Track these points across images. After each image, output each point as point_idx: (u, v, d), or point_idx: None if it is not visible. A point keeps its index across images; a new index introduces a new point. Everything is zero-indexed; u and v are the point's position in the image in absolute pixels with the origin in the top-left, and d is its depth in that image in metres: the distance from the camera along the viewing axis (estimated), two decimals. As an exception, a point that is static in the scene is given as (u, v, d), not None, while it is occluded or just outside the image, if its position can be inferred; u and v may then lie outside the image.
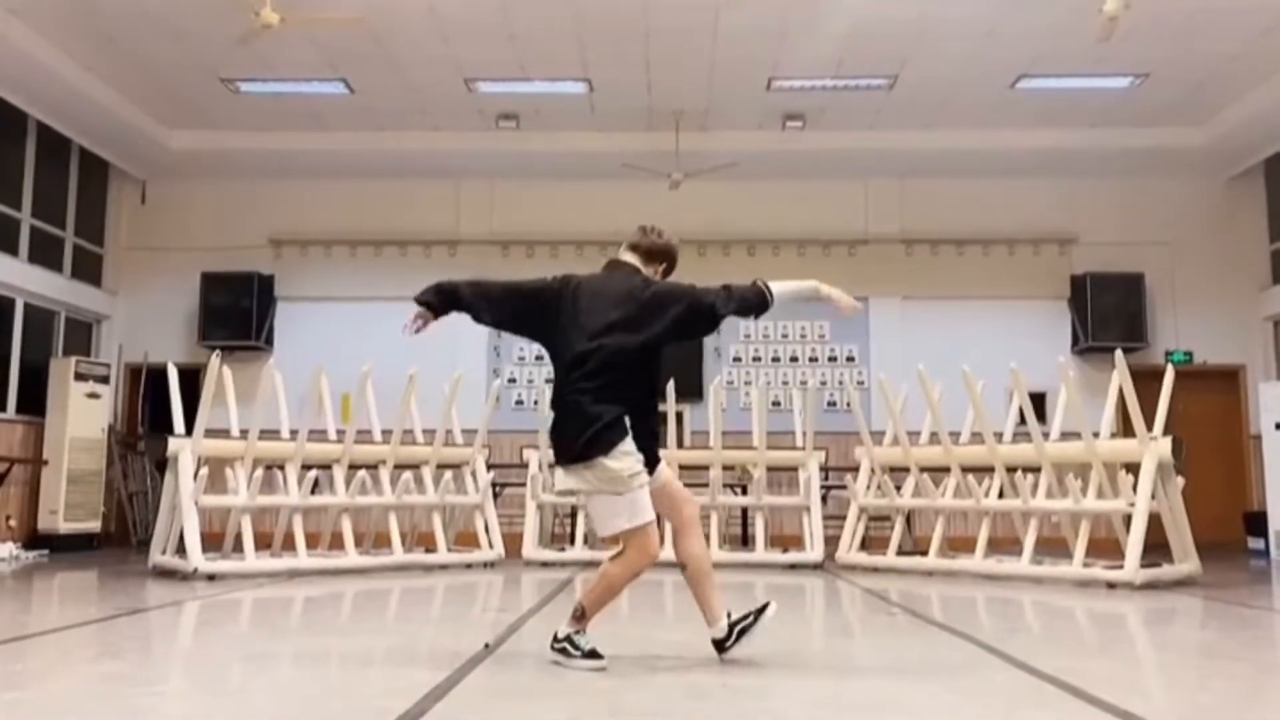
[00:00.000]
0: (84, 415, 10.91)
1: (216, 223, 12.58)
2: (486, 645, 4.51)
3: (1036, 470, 8.01)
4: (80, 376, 10.92)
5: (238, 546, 7.97)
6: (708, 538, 7.48)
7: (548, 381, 12.03)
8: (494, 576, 8.31)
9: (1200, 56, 9.62)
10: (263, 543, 8.18)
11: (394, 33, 9.26)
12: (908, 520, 9.37)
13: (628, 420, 3.96)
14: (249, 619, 6.06)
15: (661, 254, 4.34)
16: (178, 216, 12.62)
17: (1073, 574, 7.53)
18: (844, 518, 9.40)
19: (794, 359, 12.41)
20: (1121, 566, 7.23)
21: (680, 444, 9.35)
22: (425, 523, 9.09)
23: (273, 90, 10.56)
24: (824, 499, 9.79)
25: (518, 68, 10.02)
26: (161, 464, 8.25)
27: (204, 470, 7.80)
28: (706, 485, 8.88)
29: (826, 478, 10.33)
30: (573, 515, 9.80)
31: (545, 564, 8.99)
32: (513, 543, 9.30)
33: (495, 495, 9.75)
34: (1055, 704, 3.45)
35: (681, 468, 8.40)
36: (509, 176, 12.49)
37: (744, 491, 9.73)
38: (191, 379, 9.51)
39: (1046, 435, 8.17)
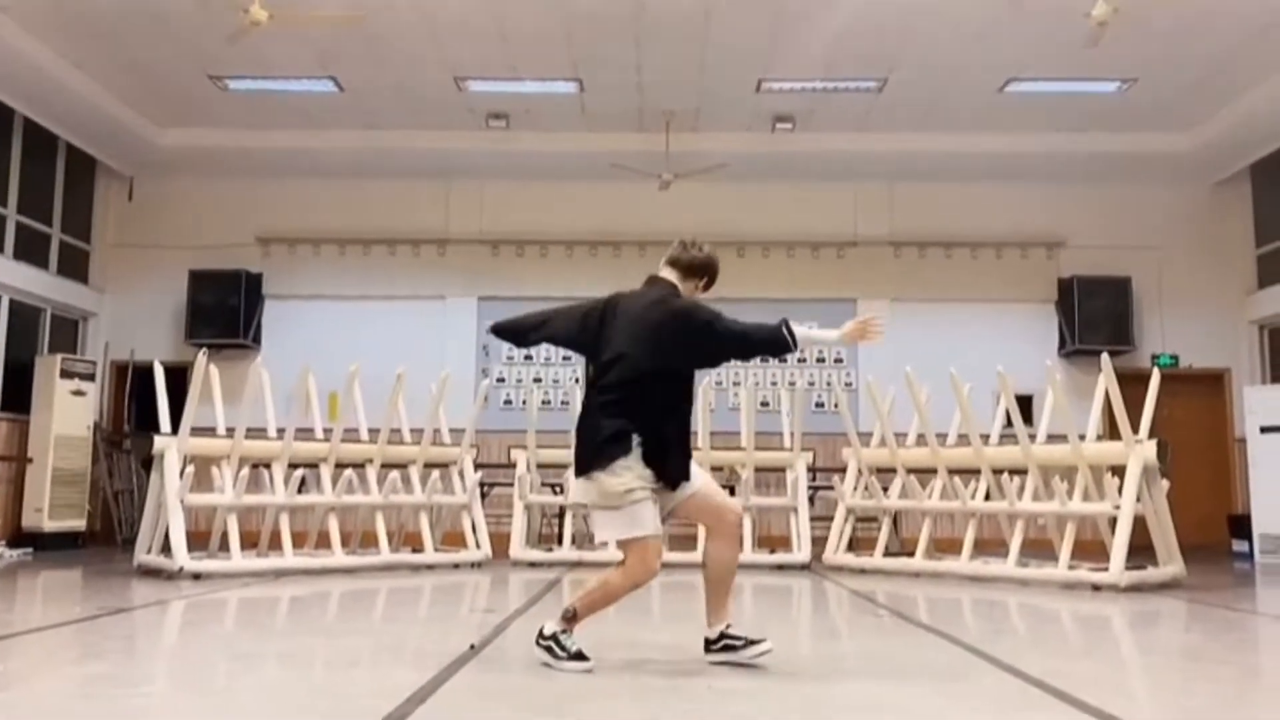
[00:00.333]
0: (69, 413, 10.85)
1: (204, 220, 12.52)
2: (472, 646, 4.51)
3: (1023, 472, 8.04)
4: (66, 374, 10.86)
5: (224, 545, 7.94)
6: (693, 538, 7.49)
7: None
8: (481, 577, 8.30)
9: (1187, 62, 9.67)
10: (249, 542, 8.16)
11: (384, 31, 9.23)
12: (895, 521, 9.40)
13: (636, 438, 3.95)
14: (234, 619, 6.04)
15: (701, 269, 4.30)
16: (165, 214, 12.56)
17: (1058, 576, 7.56)
18: (831, 519, 9.43)
19: (782, 360, 12.42)
20: (1107, 569, 7.26)
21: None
22: (412, 522, 9.07)
23: (262, 88, 10.52)
24: (811, 500, 9.82)
25: (508, 67, 10.01)
26: (147, 462, 8.20)
27: (190, 469, 7.77)
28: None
29: (814, 479, 10.35)
30: (560, 516, 9.80)
31: (533, 564, 8.98)
32: (500, 543, 9.29)
33: (483, 495, 9.73)
34: (1041, 707, 3.47)
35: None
36: (499, 176, 12.47)
37: (732, 492, 9.71)
38: (178, 377, 9.48)
39: (1033, 437, 8.20)
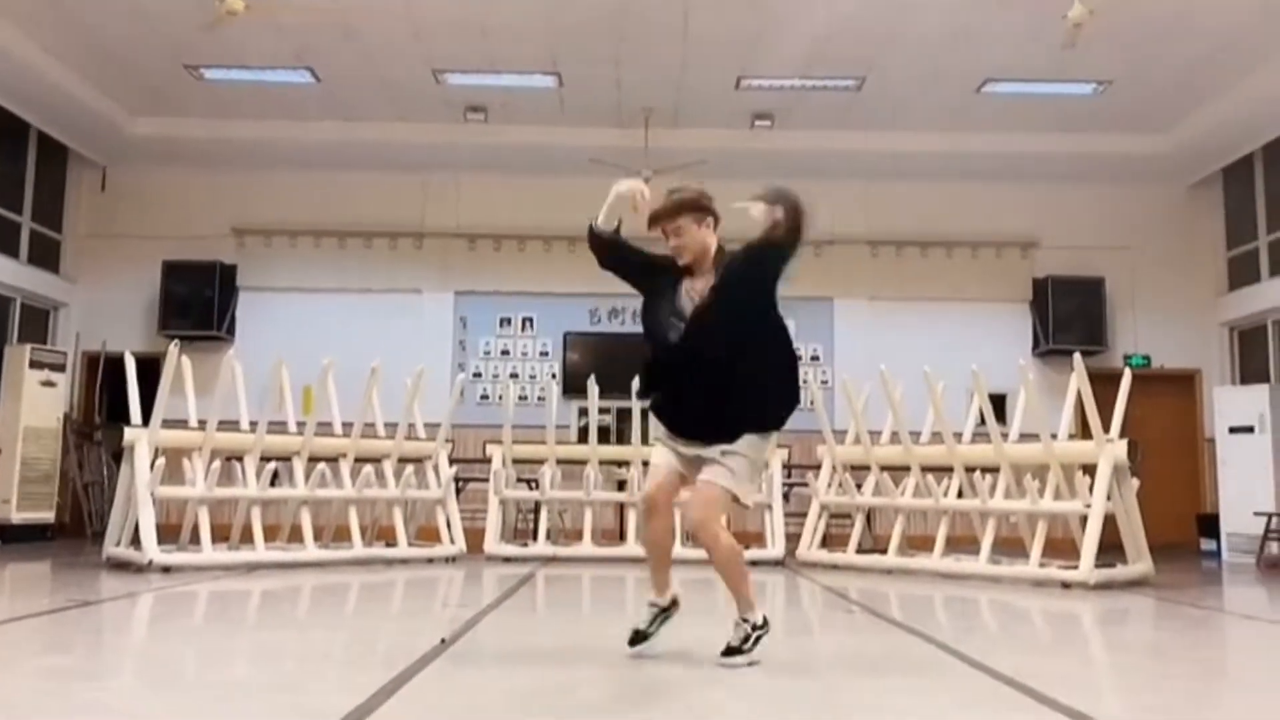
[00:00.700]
0: (39, 404, 10.74)
1: (178, 211, 12.41)
2: (443, 640, 4.49)
3: (995, 471, 8.08)
4: (36, 364, 10.74)
5: (194, 538, 7.88)
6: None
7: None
8: (455, 571, 8.27)
9: (1163, 65, 9.76)
10: (220, 535, 8.09)
11: (361, 22, 9.17)
12: (868, 518, 9.44)
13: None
14: (204, 613, 5.99)
15: (690, 207, 4.25)
16: (139, 204, 12.44)
17: (1029, 574, 7.61)
18: (805, 515, 9.46)
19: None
20: (1077, 567, 7.32)
21: (645, 440, 9.33)
22: (386, 517, 9.02)
23: (237, 78, 10.44)
24: (786, 496, 9.84)
25: (487, 60, 9.97)
26: (118, 454, 8.12)
27: (161, 461, 7.69)
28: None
29: (789, 475, 10.38)
30: (535, 511, 9.78)
31: (507, 559, 8.96)
32: (474, 538, 9.26)
33: (458, 490, 9.70)
34: (1010, 703, 3.48)
35: (644, 464, 8.39)
36: (476, 169, 12.42)
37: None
38: (151, 369, 9.37)
39: (1006, 436, 8.26)
